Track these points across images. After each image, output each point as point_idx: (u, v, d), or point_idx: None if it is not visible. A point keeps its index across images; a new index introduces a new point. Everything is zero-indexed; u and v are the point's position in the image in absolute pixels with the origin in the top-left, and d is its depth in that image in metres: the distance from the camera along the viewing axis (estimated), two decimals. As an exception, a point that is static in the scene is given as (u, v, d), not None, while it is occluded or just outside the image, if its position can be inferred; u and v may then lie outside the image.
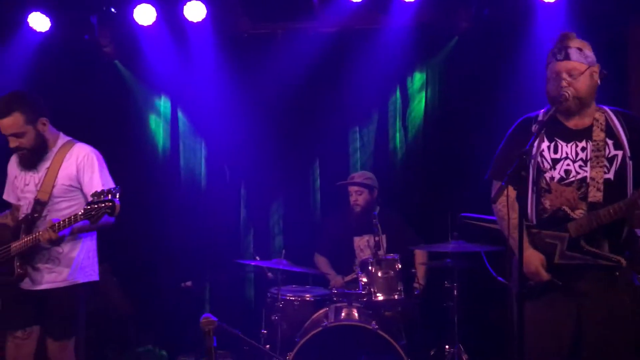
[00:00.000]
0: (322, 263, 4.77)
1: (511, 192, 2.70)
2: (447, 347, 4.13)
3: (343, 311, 3.87)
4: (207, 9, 4.92)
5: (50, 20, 4.96)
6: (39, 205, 3.21)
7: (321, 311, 4.00)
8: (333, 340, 3.68)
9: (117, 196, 2.87)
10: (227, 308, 5.05)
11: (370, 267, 3.95)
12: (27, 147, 3.24)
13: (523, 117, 2.91)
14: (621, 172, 2.67)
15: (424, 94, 5.28)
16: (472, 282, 4.21)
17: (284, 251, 4.29)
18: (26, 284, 3.24)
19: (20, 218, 3.27)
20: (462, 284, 4.12)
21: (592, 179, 2.64)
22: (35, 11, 4.90)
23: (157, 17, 4.94)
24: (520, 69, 4.88)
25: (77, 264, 3.28)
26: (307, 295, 4.30)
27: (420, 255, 4.48)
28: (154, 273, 5.36)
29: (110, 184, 3.29)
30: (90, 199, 2.95)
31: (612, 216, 2.59)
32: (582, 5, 4.78)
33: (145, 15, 4.91)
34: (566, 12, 4.80)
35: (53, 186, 3.22)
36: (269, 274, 4.56)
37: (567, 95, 2.65)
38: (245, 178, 5.50)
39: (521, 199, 2.56)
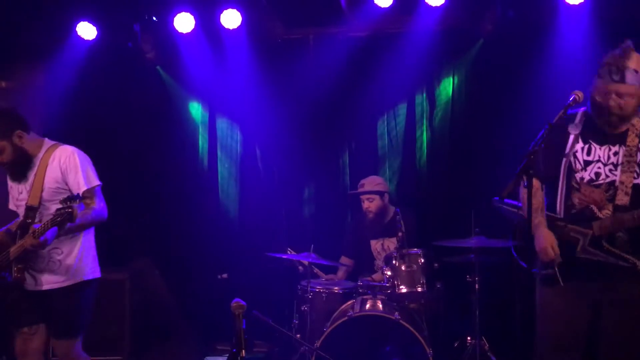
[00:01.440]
0: (345, 263, 4.95)
1: (535, 182, 2.84)
2: (469, 338, 4.27)
3: (368, 302, 4.06)
4: (242, 17, 5.16)
5: (96, 29, 5.27)
6: (31, 211, 3.29)
7: (348, 302, 4.20)
8: (358, 330, 3.87)
9: (78, 202, 2.98)
10: (261, 299, 5.27)
11: (394, 261, 4.14)
12: (8, 162, 3.32)
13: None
14: None
15: (450, 94, 5.42)
16: (493, 276, 4.35)
17: (312, 245, 4.50)
18: (30, 285, 3.32)
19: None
20: (483, 278, 4.27)
21: (622, 182, 2.75)
22: (83, 21, 5.21)
23: (195, 25, 5.21)
24: (545, 69, 4.97)
25: (77, 264, 3.36)
26: (336, 288, 4.50)
27: None
28: (193, 266, 5.63)
29: (94, 182, 3.37)
30: (60, 205, 3.05)
31: (635, 221, 2.70)
32: (607, 7, 4.84)
33: (184, 23, 5.18)
34: (590, 14, 4.88)
35: (42, 190, 3.29)
36: (300, 267, 4.78)
37: (613, 110, 2.76)
38: (279, 174, 5.71)
39: (529, 193, 2.68)
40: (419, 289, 4.09)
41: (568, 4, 4.83)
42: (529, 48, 5.07)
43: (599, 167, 2.80)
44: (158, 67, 5.67)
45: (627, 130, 2.81)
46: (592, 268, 2.79)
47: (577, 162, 2.84)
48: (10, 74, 5.56)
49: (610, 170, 2.78)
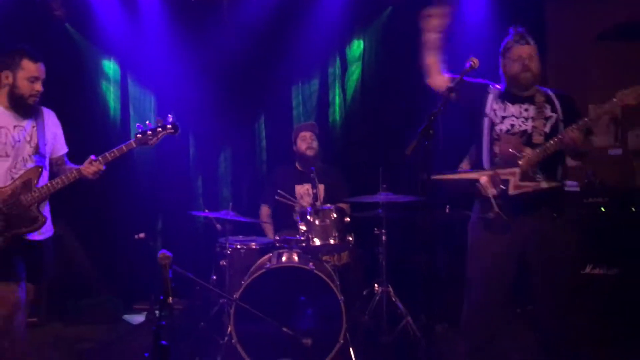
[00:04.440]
0: (265, 214, 5.14)
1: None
2: (376, 286, 4.61)
3: (284, 255, 4.28)
4: (155, -25, 5.15)
5: (0, -18, 5.07)
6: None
7: (265, 257, 4.41)
8: (275, 281, 4.06)
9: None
10: (179, 258, 5.38)
11: (308, 217, 4.37)
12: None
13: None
14: (554, 129, 3.36)
15: (361, 59, 5.69)
16: (398, 229, 4.70)
17: (231, 203, 4.65)
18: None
19: None
20: (390, 231, 4.61)
21: (535, 127, 3.35)
22: (-15, -26, 5.01)
23: (107, -18, 5.14)
24: (450, 35, 5.31)
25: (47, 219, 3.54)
26: (253, 244, 4.68)
27: (346, 209, 4.78)
28: (109, 226, 5.65)
29: None
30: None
31: (556, 146, 3.25)
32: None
33: (95, -20, 5.10)
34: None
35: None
36: (218, 226, 4.91)
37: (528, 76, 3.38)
38: (194, 133, 5.79)
39: (429, 150, 3.01)
40: (332, 242, 4.34)
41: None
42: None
43: (513, 120, 3.39)
44: (67, 25, 5.52)
45: (534, 95, 3.42)
46: (522, 206, 3.30)
47: (496, 117, 3.41)
48: None
49: (522, 122, 3.37)
